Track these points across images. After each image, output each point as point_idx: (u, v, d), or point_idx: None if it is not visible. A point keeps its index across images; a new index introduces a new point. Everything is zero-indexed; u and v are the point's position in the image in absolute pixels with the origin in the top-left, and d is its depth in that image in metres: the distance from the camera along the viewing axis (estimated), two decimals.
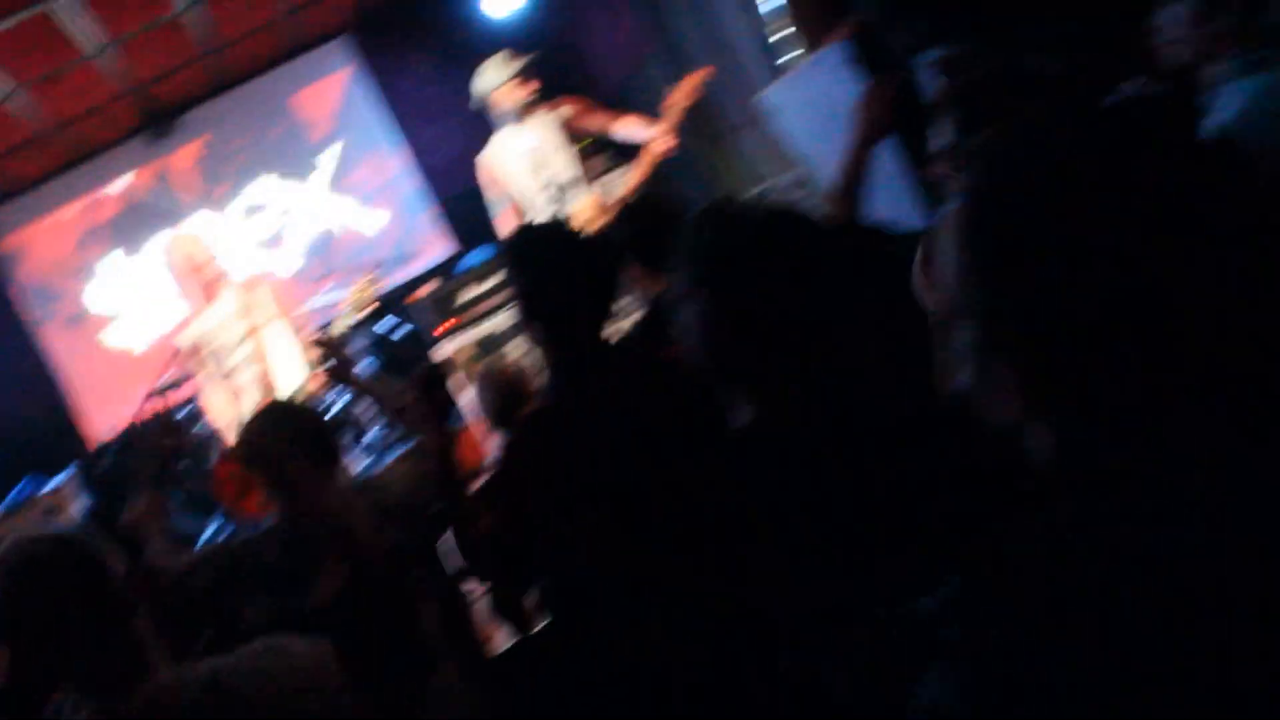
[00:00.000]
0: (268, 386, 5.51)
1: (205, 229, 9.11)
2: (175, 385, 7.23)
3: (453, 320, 6.83)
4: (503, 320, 6.72)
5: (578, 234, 2.55)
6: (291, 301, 6.33)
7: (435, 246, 9.47)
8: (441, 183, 9.45)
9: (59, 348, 9.38)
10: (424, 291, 7.19)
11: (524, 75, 5.51)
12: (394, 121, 9.62)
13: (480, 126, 7.59)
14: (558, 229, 2.64)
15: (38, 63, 7.33)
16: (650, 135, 5.19)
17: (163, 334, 9.21)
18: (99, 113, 8.65)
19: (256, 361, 5.55)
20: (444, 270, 8.37)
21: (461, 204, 9.16)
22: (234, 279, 5.60)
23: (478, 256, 7.62)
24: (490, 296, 6.91)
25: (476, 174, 5.63)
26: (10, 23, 6.55)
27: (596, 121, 5.52)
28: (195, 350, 5.56)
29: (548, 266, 2.42)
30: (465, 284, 7.08)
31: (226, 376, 5.53)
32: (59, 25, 6.87)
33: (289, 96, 9.64)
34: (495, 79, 5.54)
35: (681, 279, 1.66)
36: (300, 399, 5.22)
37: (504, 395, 4.17)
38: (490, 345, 6.56)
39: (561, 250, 2.46)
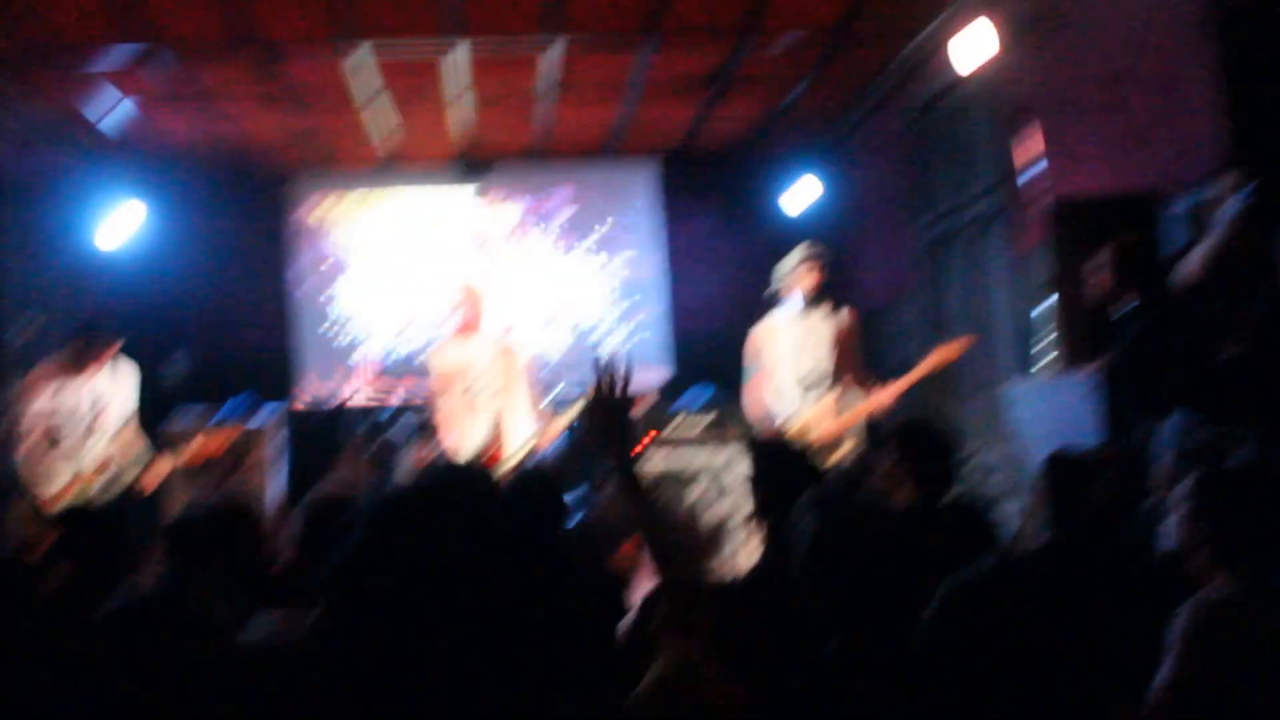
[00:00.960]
0: (498, 432, 6.25)
1: (488, 270, 10.20)
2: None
3: (653, 433, 7.60)
4: (693, 459, 7.38)
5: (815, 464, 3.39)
6: (533, 372, 7.06)
7: (658, 372, 10.34)
8: (682, 314, 10.41)
9: (308, 307, 10.52)
10: (640, 403, 8.00)
11: (814, 262, 6.32)
12: (665, 248, 10.65)
13: (734, 289, 8.48)
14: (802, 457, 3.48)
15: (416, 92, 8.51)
16: (880, 395, 6.00)
17: (397, 337, 10.32)
18: (435, 136, 9.82)
19: (496, 406, 6.29)
20: (662, 394, 9.19)
21: (691, 341, 10.13)
22: (497, 330, 6.38)
23: (696, 395, 8.46)
24: (691, 434, 7.63)
25: (746, 342, 6.41)
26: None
27: (850, 356, 6.30)
28: (448, 375, 6.34)
29: (785, 486, 3.07)
30: (676, 413, 7.87)
31: (467, 409, 6.28)
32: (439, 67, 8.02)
33: (603, 185, 10.81)
34: (792, 260, 6.36)
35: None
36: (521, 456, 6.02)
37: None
38: (671, 478, 7.21)
39: (800, 476, 3.23)
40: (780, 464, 3.53)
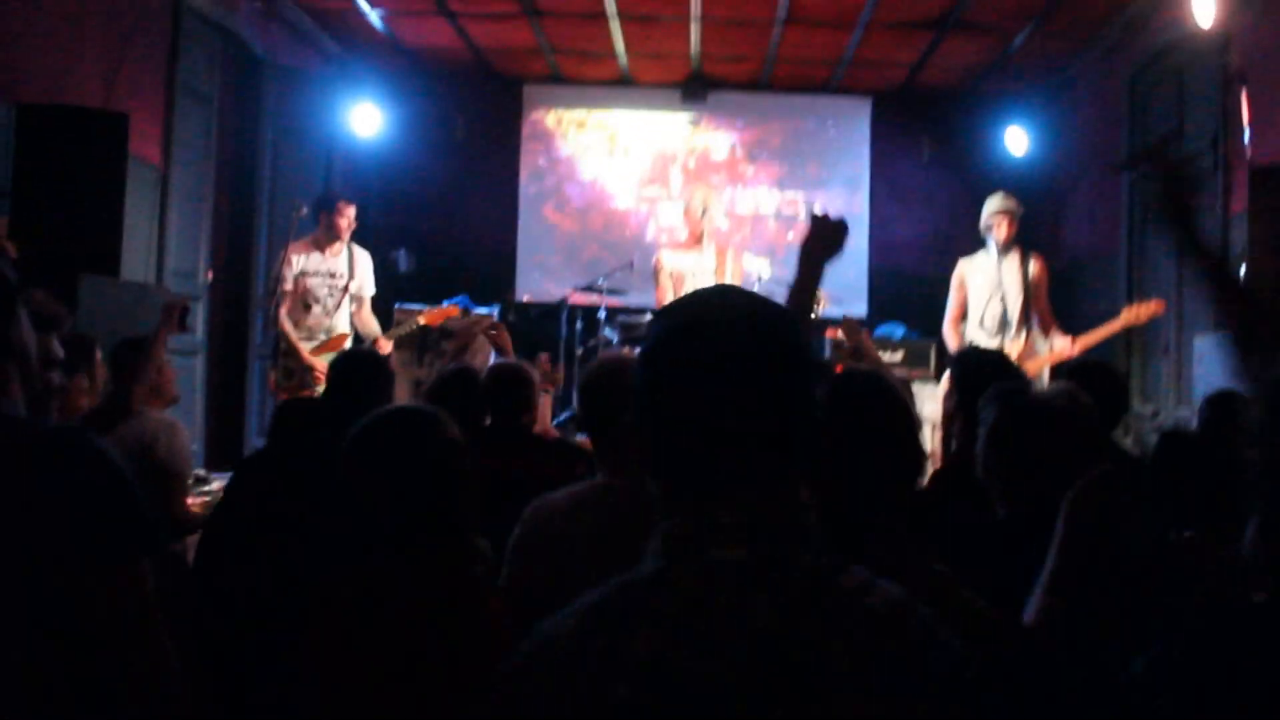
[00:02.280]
0: None
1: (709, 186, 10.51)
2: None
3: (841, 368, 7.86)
4: None
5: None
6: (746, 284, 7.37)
7: (850, 305, 10.52)
8: (878, 252, 10.65)
9: (531, 217, 11.12)
10: (837, 331, 8.26)
11: (1009, 215, 6.53)
12: (868, 188, 10.88)
13: (931, 232, 8.61)
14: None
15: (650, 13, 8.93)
16: (1064, 345, 6.16)
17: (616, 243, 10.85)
18: (660, 59, 10.25)
19: None
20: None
21: (885, 280, 10.35)
22: (721, 240, 6.69)
23: (888, 333, 8.75)
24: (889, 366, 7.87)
25: (953, 272, 6.65)
26: None
27: (1040, 300, 6.49)
28: (672, 278, 6.77)
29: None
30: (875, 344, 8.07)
31: None
32: None
33: (814, 121, 11.10)
34: (989, 208, 6.59)
35: None
36: None
37: None
38: None
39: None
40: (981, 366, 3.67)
